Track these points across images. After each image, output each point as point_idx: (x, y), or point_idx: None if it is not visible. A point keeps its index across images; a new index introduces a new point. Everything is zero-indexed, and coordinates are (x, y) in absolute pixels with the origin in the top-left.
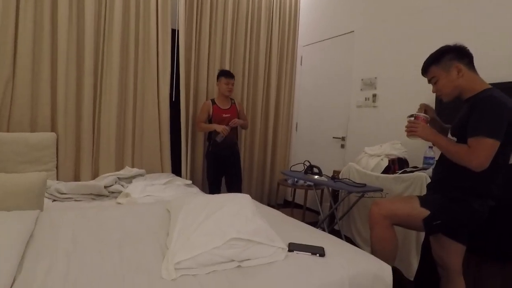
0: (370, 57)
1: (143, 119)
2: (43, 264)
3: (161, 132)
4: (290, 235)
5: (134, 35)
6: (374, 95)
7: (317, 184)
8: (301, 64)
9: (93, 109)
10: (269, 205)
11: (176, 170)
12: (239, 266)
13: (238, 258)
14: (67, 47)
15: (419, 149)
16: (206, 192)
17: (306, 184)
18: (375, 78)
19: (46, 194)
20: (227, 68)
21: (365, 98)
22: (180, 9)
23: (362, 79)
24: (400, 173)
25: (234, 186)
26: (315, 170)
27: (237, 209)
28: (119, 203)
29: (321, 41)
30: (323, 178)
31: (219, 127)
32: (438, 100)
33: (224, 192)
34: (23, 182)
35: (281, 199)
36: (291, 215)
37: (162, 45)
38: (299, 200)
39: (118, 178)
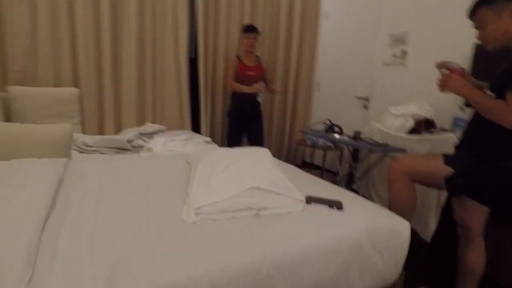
0: (402, 8)
1: (162, 75)
2: (73, 205)
3: (181, 88)
4: (309, 189)
5: None
6: (404, 52)
7: (337, 143)
8: (326, 19)
9: (113, 66)
10: None
11: (196, 127)
12: (257, 214)
13: (256, 206)
14: (84, 4)
15: (448, 110)
16: None
17: (325, 145)
18: (406, 32)
19: (73, 147)
20: (245, 22)
21: (394, 55)
22: None
23: (391, 34)
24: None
25: (254, 136)
26: (336, 129)
27: (257, 161)
28: (142, 157)
29: None
30: (343, 137)
31: (250, 89)
32: (477, 56)
33: None
34: (51, 133)
35: (299, 159)
36: None
37: None
38: (317, 161)
39: (140, 133)
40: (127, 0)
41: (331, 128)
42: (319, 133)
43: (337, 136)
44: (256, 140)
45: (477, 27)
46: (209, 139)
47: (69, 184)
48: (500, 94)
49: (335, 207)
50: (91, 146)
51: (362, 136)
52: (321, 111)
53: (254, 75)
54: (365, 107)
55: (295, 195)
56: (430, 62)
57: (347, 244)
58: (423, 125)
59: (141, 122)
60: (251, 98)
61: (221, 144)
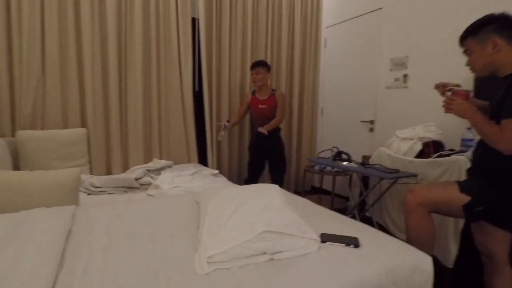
0: (401, 35)
1: (168, 110)
2: (81, 261)
3: (186, 122)
4: (322, 225)
5: (155, 24)
6: (405, 75)
7: (346, 171)
8: (325, 47)
9: (119, 104)
10: (296, 192)
11: (203, 160)
12: (271, 259)
13: (270, 250)
14: (91, 45)
15: (455, 131)
16: (233, 181)
17: (334, 170)
18: (406, 57)
19: (81, 189)
20: (248, 56)
21: (395, 79)
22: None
23: (391, 59)
24: (435, 157)
25: (275, 174)
26: (344, 156)
27: (267, 201)
28: (150, 195)
29: (345, 20)
30: (352, 164)
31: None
32: (479, 78)
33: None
34: (59, 178)
35: (308, 185)
36: (319, 202)
37: (183, 34)
38: (327, 186)
39: (148, 170)
40: (133, 37)
41: (338, 155)
42: (327, 161)
43: (345, 164)
44: (276, 172)
45: (465, 53)
46: (216, 171)
47: (77, 237)
48: (498, 119)
49: (351, 245)
50: (98, 187)
51: (371, 161)
52: (327, 137)
53: (266, 108)
54: (371, 130)
55: (309, 234)
56: (432, 84)
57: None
58: (432, 148)
59: (148, 158)
60: (260, 135)
61: (229, 175)
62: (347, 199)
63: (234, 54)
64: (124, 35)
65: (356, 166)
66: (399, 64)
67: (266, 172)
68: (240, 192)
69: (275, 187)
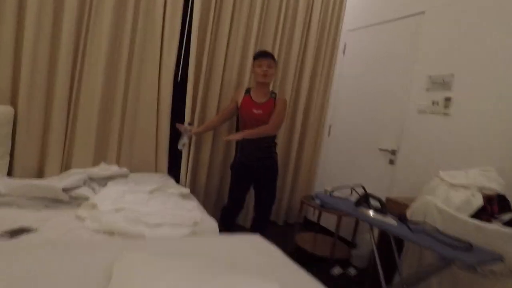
0: (446, 46)
1: (138, 100)
2: None
3: (160, 120)
4: None
5: None
6: (448, 99)
7: (379, 227)
8: (343, 53)
9: (69, 81)
10: (286, 223)
11: (176, 172)
12: None
13: None
14: None
15: None
16: (208, 208)
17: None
18: (452, 75)
19: None
20: (250, 48)
21: (433, 102)
22: None
23: (430, 76)
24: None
25: (262, 205)
26: (373, 202)
27: None
28: (80, 217)
29: (373, 25)
30: (389, 219)
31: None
32: None
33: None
34: None
35: (302, 217)
36: (314, 243)
37: (172, 3)
38: (325, 222)
39: (89, 178)
40: None
41: (365, 200)
42: (345, 205)
43: (377, 217)
44: (265, 204)
45: None
46: (186, 190)
47: None
48: None
49: None
50: (4, 195)
51: (410, 214)
52: (332, 162)
53: (262, 114)
54: (391, 162)
55: None
56: (486, 113)
57: None
58: (496, 205)
59: (101, 160)
60: (261, 146)
61: (204, 197)
62: (349, 243)
63: (233, 43)
64: None
65: (396, 224)
66: (441, 83)
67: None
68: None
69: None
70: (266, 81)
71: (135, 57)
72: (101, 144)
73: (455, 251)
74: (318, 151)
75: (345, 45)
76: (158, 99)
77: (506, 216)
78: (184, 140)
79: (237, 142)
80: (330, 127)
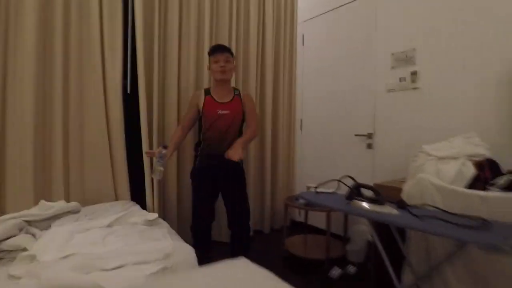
0: (404, 23)
1: (82, 120)
2: None
3: (112, 140)
4: None
5: None
6: (414, 73)
7: (380, 221)
8: (303, 44)
9: None
10: (272, 230)
11: (140, 196)
12: None
13: None
14: None
15: (507, 146)
16: (186, 231)
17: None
18: (413, 50)
19: None
20: (205, 45)
21: (400, 79)
22: None
23: (392, 54)
24: (504, 184)
25: (236, 211)
26: (367, 193)
27: None
28: (14, 276)
29: (327, 12)
30: (388, 208)
31: (156, 153)
32: None
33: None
34: None
35: (288, 219)
36: (305, 246)
37: (109, 2)
38: (313, 220)
39: (26, 221)
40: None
41: (356, 191)
42: (335, 203)
43: (375, 208)
44: (239, 215)
45: None
46: (154, 215)
47: None
48: None
49: None
50: None
51: (406, 196)
52: (309, 158)
53: (228, 114)
54: (369, 146)
55: None
56: (455, 81)
57: None
58: (488, 170)
59: (44, 195)
60: (222, 145)
61: (178, 220)
62: (340, 238)
63: (185, 42)
64: None
65: (398, 212)
66: (404, 60)
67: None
68: None
69: None
70: (225, 78)
71: (72, 71)
72: (42, 179)
73: (476, 232)
74: (293, 148)
75: (303, 36)
76: (106, 117)
77: (501, 181)
78: (159, 167)
79: (196, 145)
80: (301, 121)
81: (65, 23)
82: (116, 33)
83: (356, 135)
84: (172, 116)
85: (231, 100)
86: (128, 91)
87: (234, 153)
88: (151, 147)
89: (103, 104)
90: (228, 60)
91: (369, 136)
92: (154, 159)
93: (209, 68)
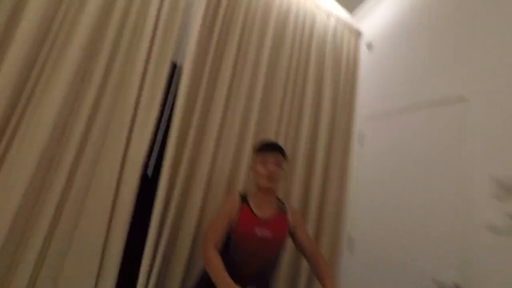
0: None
1: (84, 201)
2: None
3: (110, 232)
4: None
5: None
6: None
7: None
8: (362, 146)
9: None
10: None
11: None
12: None
13: None
14: None
15: None
16: None
17: None
18: None
19: None
20: (248, 137)
21: (509, 215)
22: (190, 39)
23: (496, 180)
24: None
25: None
26: None
27: None
28: None
29: (394, 111)
30: None
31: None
32: None
33: None
34: None
35: None
36: None
37: (152, 80)
38: None
39: None
40: (63, 54)
41: None
42: None
43: None
44: None
45: None
46: None
47: None
48: None
49: None
50: None
51: None
52: None
53: (269, 238)
54: None
55: None
56: None
57: None
58: None
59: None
60: (257, 277)
61: None
62: None
63: (227, 130)
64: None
65: None
66: None
67: None
68: None
69: None
70: (272, 186)
71: (90, 139)
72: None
73: None
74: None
75: (363, 136)
76: (113, 202)
77: None
78: None
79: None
80: (353, 242)
81: (101, 87)
82: (153, 106)
83: (435, 281)
84: (191, 214)
85: (275, 217)
86: (149, 176)
87: None
88: (153, 254)
89: (115, 182)
90: (278, 163)
91: (457, 287)
92: None
93: (252, 168)
